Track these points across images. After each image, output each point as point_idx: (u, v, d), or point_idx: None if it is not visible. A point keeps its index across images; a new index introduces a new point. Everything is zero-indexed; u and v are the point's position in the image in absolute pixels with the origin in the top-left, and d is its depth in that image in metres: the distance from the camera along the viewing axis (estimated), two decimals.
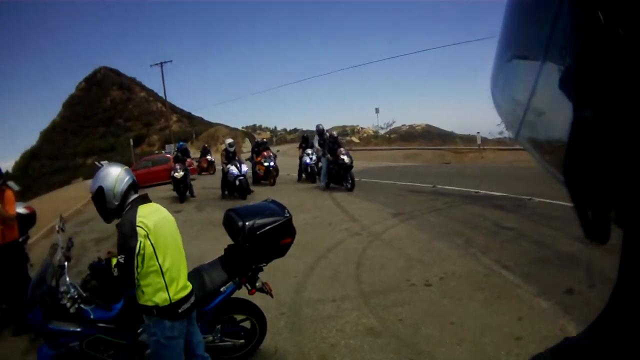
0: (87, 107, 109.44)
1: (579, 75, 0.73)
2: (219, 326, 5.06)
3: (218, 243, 5.22)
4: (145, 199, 4.09)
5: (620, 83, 0.68)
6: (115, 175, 4.01)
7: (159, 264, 3.80)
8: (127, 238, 3.69)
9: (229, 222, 5.16)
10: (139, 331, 4.53)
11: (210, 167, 31.25)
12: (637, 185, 0.70)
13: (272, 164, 21.29)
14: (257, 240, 4.88)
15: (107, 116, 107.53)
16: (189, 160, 21.37)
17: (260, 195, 16.39)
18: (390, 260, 8.68)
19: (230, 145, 19.18)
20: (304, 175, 21.82)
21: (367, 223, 11.90)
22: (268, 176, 21.18)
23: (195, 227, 11.76)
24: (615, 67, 0.68)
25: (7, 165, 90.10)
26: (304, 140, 22.46)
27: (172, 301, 3.86)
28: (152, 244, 3.76)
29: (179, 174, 18.57)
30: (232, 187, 18.19)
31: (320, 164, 19.59)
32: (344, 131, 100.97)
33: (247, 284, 5.12)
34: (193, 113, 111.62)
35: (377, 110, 56.82)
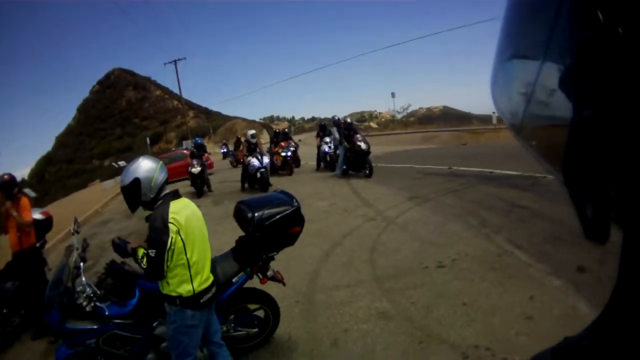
0: (102, 110, 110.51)
1: (579, 75, 0.74)
2: (233, 316, 5.16)
3: (236, 235, 5.29)
4: (176, 194, 4.17)
5: (620, 83, 0.69)
6: (153, 168, 4.08)
7: (187, 258, 3.92)
8: (159, 233, 3.78)
9: (239, 214, 5.21)
10: (154, 325, 4.64)
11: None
12: (637, 185, 0.71)
13: (289, 154, 21.38)
14: (266, 230, 4.94)
15: (123, 117, 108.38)
16: (205, 155, 21.36)
17: (278, 186, 16.05)
18: (404, 244, 8.71)
19: (252, 136, 18.66)
20: (322, 164, 21.70)
21: (382, 208, 11.92)
22: (285, 166, 21.23)
23: (213, 221, 11.99)
24: (615, 67, 0.69)
25: (23, 172, 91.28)
26: (322, 128, 22.40)
27: (196, 292, 3.98)
28: (182, 239, 3.87)
29: (196, 170, 18.68)
30: (253, 180, 17.80)
31: (338, 152, 19.22)
32: (362, 117, 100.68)
33: (258, 274, 5.20)
34: (210, 108, 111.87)
35: (393, 95, 56.62)
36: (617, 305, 0.99)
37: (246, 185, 18.50)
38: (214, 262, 4.86)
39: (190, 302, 3.97)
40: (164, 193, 4.10)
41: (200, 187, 18.86)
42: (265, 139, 43.09)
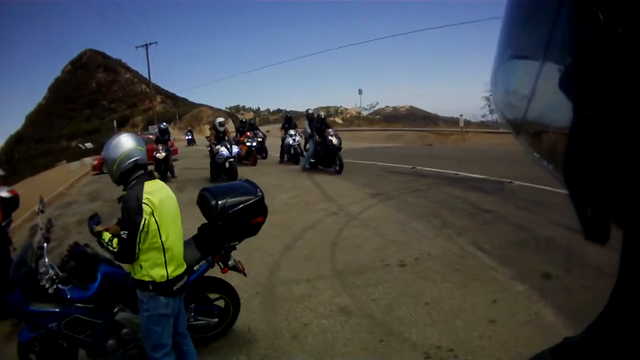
0: (73, 90, 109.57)
1: (579, 75, 0.72)
2: (193, 305, 5.07)
3: (198, 223, 5.16)
4: (151, 175, 4.00)
5: (620, 83, 0.67)
6: (122, 150, 3.90)
7: (162, 241, 3.77)
8: (133, 213, 3.64)
9: (203, 201, 5.12)
10: (115, 310, 4.53)
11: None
12: (637, 185, 0.69)
13: (254, 144, 21.32)
14: (229, 219, 4.86)
15: (92, 98, 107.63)
16: (170, 141, 21.11)
17: (242, 176, 15.98)
18: (366, 240, 8.67)
19: (220, 124, 18.08)
20: (286, 157, 21.60)
21: (344, 203, 11.89)
22: (250, 156, 21.08)
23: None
24: (615, 67, 0.67)
25: None
26: (287, 120, 22.35)
27: (170, 278, 3.83)
28: (156, 221, 3.72)
29: (161, 155, 18.48)
30: (221, 170, 17.00)
31: (308, 146, 19.01)
32: (328, 112, 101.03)
33: (219, 263, 5.12)
34: (177, 94, 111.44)
35: (360, 92, 57.22)
36: (617, 305, 0.97)
37: (215, 176, 17.57)
38: None
39: (164, 289, 3.81)
40: (138, 173, 3.92)
41: (164, 173, 18.65)
42: (230, 128, 43.18)
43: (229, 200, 4.91)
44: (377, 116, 69.65)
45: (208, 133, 23.30)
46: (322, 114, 19.41)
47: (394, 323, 5.43)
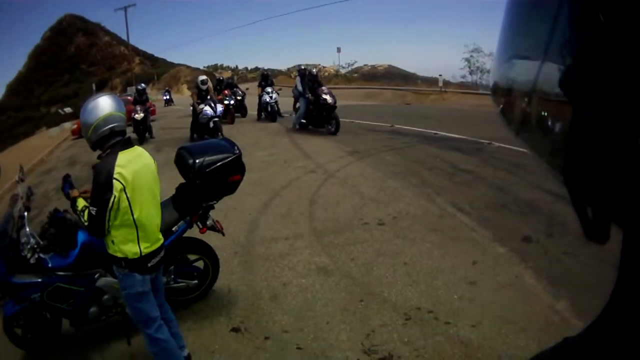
0: (52, 56, 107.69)
1: (579, 75, 0.71)
2: (172, 267, 5.03)
3: (176, 182, 5.07)
4: (127, 143, 3.74)
5: (620, 83, 0.66)
6: (99, 115, 3.63)
7: (133, 218, 3.58)
8: (102, 190, 3.44)
9: (180, 160, 5.03)
10: (95, 277, 4.47)
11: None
12: (637, 185, 0.67)
13: (232, 102, 21.06)
14: (207, 177, 4.81)
15: (72, 63, 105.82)
16: (149, 102, 20.78)
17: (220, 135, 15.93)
18: (344, 198, 8.67)
19: (202, 82, 17.22)
20: (263, 114, 21.39)
21: (322, 161, 11.85)
22: (227, 115, 20.77)
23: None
24: (616, 67, 0.66)
25: None
26: (264, 78, 22.04)
27: (143, 255, 3.68)
28: (127, 197, 3.52)
29: (140, 116, 18.21)
30: (205, 129, 16.21)
31: (298, 105, 17.57)
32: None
33: (198, 223, 5.07)
34: (156, 55, 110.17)
35: (338, 50, 57.37)
36: (617, 305, 0.96)
37: (195, 135, 16.89)
38: None
39: (137, 266, 3.67)
40: (114, 141, 3.67)
41: (142, 134, 18.43)
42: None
43: (207, 158, 4.83)
44: (356, 74, 69.29)
45: (186, 93, 23.02)
46: (315, 70, 18.58)
47: (373, 283, 5.43)
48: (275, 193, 9.26)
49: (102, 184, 3.43)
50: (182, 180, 5.05)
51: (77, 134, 23.47)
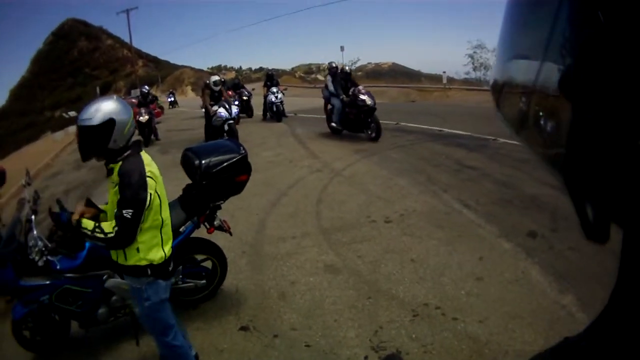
0: (55, 61, 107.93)
1: (579, 75, 0.72)
2: (180, 267, 5.02)
3: (182, 184, 5.11)
4: (141, 145, 3.69)
5: (620, 83, 0.67)
6: (130, 111, 3.55)
7: (162, 218, 3.54)
8: (137, 189, 3.31)
9: (186, 161, 5.07)
10: (104, 278, 4.48)
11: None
12: (637, 185, 0.69)
13: (236, 103, 20.90)
14: (213, 178, 4.84)
15: (75, 67, 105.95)
16: (153, 104, 20.85)
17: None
18: (351, 196, 8.68)
19: (215, 83, 15.98)
20: (268, 114, 21.32)
21: (328, 160, 11.86)
22: None
23: (160, 170, 11.34)
24: (616, 67, 0.67)
25: None
26: (269, 78, 22.01)
27: (167, 257, 3.60)
28: (159, 196, 3.49)
29: (144, 118, 18.15)
30: (219, 133, 14.84)
31: (329, 107, 15.49)
32: (310, 69, 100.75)
33: (205, 223, 5.10)
34: (159, 57, 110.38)
35: (342, 48, 57.41)
36: (617, 305, 0.98)
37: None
38: None
39: (162, 271, 3.57)
40: (132, 142, 3.57)
41: (147, 136, 18.42)
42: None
43: (213, 159, 4.87)
44: (360, 73, 69.34)
45: (190, 94, 22.96)
46: (347, 67, 16.58)
47: (380, 280, 5.45)
48: (282, 192, 9.28)
49: (136, 184, 3.32)
50: (188, 182, 5.09)
51: None
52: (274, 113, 20.86)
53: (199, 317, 5.04)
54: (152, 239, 3.49)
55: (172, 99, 45.79)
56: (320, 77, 75.83)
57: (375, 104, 13.58)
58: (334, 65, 15.81)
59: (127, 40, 77.10)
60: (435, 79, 41.73)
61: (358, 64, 75.63)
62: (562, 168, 0.81)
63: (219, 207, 5.17)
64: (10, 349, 4.72)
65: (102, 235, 3.34)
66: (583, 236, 0.80)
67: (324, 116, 15.76)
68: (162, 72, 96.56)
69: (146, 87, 22.90)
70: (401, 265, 5.75)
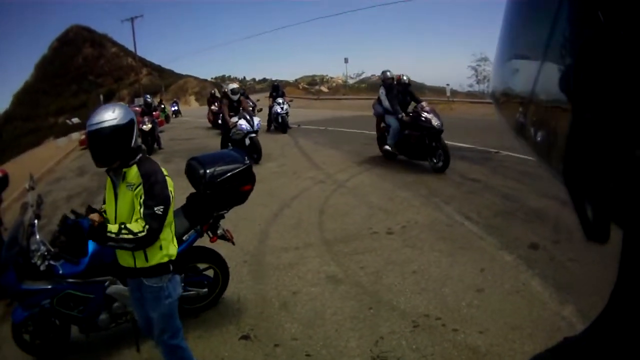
0: (60, 67, 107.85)
1: (579, 75, 0.71)
2: (183, 275, 5.01)
3: (186, 193, 5.15)
4: (145, 152, 3.83)
5: (620, 83, 0.65)
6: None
7: (173, 216, 3.69)
8: (162, 187, 3.45)
9: (191, 171, 5.11)
10: (105, 284, 4.51)
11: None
12: (637, 185, 0.67)
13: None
14: (217, 188, 4.88)
15: (79, 74, 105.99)
16: (156, 112, 20.95)
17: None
18: (353, 208, 8.72)
19: (233, 92, 14.53)
20: (273, 125, 21.27)
21: (331, 171, 11.91)
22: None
23: None
24: (616, 67, 0.66)
25: None
26: (274, 89, 22.11)
27: (177, 250, 3.74)
28: (173, 195, 3.58)
29: (147, 127, 18.21)
30: (241, 147, 13.13)
31: (382, 125, 12.93)
32: (314, 80, 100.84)
33: (208, 232, 5.13)
34: (163, 66, 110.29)
35: (346, 60, 57.19)
36: (617, 305, 0.96)
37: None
38: None
39: (176, 265, 3.71)
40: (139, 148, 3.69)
41: (151, 145, 18.46)
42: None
43: (217, 169, 4.90)
44: (364, 85, 69.42)
45: (194, 104, 22.91)
46: (405, 77, 12.61)
47: (382, 291, 5.47)
48: (285, 203, 9.30)
49: (162, 182, 3.46)
50: (192, 191, 5.13)
51: (86, 144, 23.55)
52: (279, 124, 20.81)
53: (200, 326, 5.05)
54: (168, 235, 3.61)
55: (176, 108, 45.66)
56: (324, 88, 75.79)
57: (442, 125, 10.94)
58: (388, 75, 12.70)
59: (131, 48, 77.81)
60: (439, 91, 41.68)
61: (362, 76, 75.70)
62: (562, 169, 0.81)
63: (223, 217, 5.20)
64: (10, 352, 4.74)
65: (130, 236, 3.32)
66: (583, 236, 0.79)
67: (324, 128, 15.58)
68: (165, 81, 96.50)
69: (148, 96, 23.01)
70: (402, 276, 5.76)
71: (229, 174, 4.91)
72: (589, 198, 0.78)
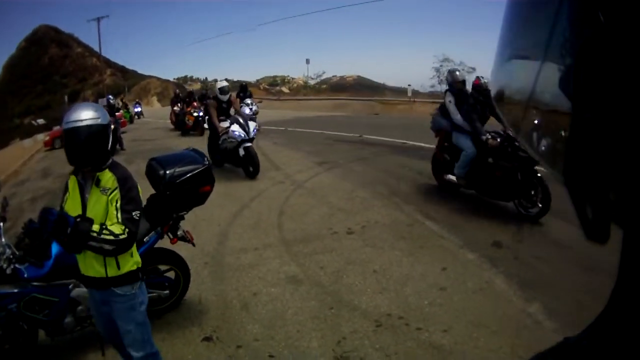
0: (27, 67, 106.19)
1: (579, 75, 0.70)
2: (144, 277, 4.93)
3: (146, 194, 5.05)
4: None
5: (620, 83, 0.65)
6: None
7: None
8: (136, 191, 3.38)
9: (151, 171, 5.04)
10: (70, 287, 4.45)
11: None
12: (637, 185, 0.66)
13: (201, 114, 20.81)
14: (177, 189, 4.83)
15: (45, 74, 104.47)
16: (118, 113, 20.70)
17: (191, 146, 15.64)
18: (313, 208, 8.72)
19: (222, 91, 12.92)
20: None
21: (290, 172, 11.89)
22: (197, 127, 20.79)
23: None
24: (616, 67, 0.65)
25: None
26: (242, 89, 22.03)
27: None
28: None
29: (111, 127, 17.81)
30: (232, 158, 11.76)
31: (446, 143, 9.09)
32: (275, 81, 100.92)
33: (168, 233, 5.08)
34: (127, 66, 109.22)
35: (307, 61, 57.93)
36: (617, 305, 0.93)
37: (226, 165, 12.30)
38: None
39: (142, 271, 3.62)
40: None
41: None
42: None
43: (177, 169, 4.85)
44: (324, 85, 69.71)
45: (156, 105, 22.68)
46: (484, 80, 8.19)
47: (343, 291, 5.46)
48: (244, 204, 9.24)
49: (136, 187, 3.39)
50: (152, 192, 5.04)
51: (50, 145, 23.19)
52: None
53: (162, 328, 4.97)
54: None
55: (139, 109, 44.79)
56: (285, 89, 75.78)
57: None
58: (458, 76, 8.96)
59: (96, 48, 76.84)
60: (400, 92, 42.14)
61: (323, 77, 75.91)
62: (562, 168, 0.78)
63: (183, 218, 5.16)
64: None
65: (111, 237, 3.16)
66: (583, 236, 0.76)
67: (284, 128, 15.38)
68: (129, 81, 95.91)
69: (110, 97, 22.82)
70: (363, 276, 5.77)
71: (188, 175, 4.87)
72: (589, 198, 0.77)
